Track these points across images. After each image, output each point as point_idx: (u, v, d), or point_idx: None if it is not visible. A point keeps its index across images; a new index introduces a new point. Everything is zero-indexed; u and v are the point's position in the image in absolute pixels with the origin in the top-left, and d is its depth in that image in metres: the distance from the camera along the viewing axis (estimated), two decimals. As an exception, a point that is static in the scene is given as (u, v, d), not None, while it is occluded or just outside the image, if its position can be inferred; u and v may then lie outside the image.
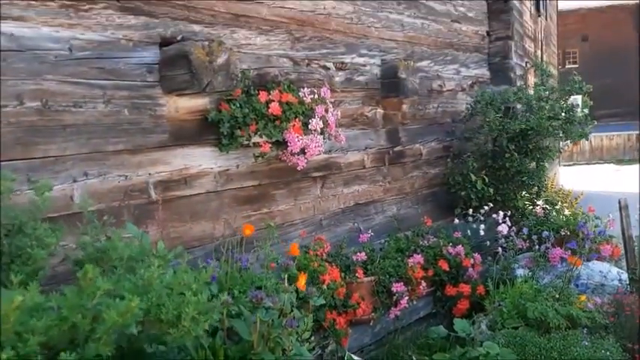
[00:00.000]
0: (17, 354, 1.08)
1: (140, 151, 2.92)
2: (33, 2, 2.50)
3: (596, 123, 5.64)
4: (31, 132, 2.48)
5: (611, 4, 29.38)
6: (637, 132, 29.66)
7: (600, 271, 4.13)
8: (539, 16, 11.49)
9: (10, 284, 1.27)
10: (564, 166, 25.26)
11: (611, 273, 4.11)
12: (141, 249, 1.68)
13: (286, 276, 2.24)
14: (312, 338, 3.00)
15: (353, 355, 2.52)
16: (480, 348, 3.03)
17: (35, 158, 2.50)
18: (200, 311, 1.48)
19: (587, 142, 29.04)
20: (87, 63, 2.69)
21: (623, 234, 4.03)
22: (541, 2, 11.45)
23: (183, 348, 2.01)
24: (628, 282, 3.91)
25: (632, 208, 4.63)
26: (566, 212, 5.50)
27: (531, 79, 9.12)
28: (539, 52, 11.44)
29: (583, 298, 3.46)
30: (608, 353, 3.00)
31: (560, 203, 5.81)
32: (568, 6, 27.67)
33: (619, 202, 4.06)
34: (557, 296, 3.40)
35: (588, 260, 4.12)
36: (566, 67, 30.40)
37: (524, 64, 8.86)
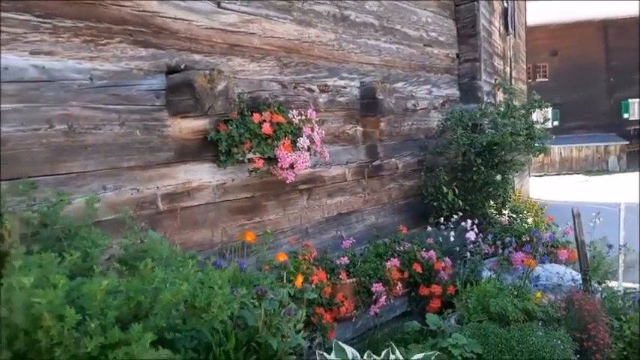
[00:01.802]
0: (100, 324, 1.46)
1: (150, 167, 3.30)
2: (60, 39, 2.87)
3: (554, 137, 6.12)
4: (59, 151, 2.85)
5: (579, 20, 30.42)
6: (605, 144, 30.73)
7: (557, 273, 4.60)
8: (508, 34, 12.05)
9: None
10: (535, 176, 26.11)
11: (566, 275, 4.58)
12: (171, 251, 2.06)
13: (285, 273, 2.64)
14: (302, 332, 3.43)
15: (340, 343, 2.91)
16: (449, 339, 3.45)
17: (61, 174, 2.87)
18: (225, 301, 1.88)
19: (557, 153, 30.01)
20: (105, 90, 3.07)
21: (576, 239, 4.50)
22: (509, 21, 12.02)
23: (199, 334, 2.41)
24: (581, 282, 4.39)
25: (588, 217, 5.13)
26: (529, 220, 6.01)
27: (500, 96, 9.68)
28: (508, 69, 11.99)
29: (538, 294, 3.92)
30: (559, 342, 3.45)
31: (524, 212, 6.30)
32: (538, 21, 28.57)
33: (572, 211, 4.54)
34: (515, 293, 3.86)
35: (542, 262, 4.59)
36: (537, 80, 31.33)
37: (493, 81, 9.42)
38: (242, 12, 3.87)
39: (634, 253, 4.99)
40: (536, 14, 29.06)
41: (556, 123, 32.04)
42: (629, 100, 30.76)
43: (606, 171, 29.31)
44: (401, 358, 2.70)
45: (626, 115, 30.98)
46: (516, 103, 6.64)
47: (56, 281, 1.42)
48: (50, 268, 1.51)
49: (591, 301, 3.78)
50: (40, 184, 2.69)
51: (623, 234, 4.80)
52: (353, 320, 4.00)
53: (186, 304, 1.74)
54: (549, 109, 30.02)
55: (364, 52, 5.07)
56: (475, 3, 6.44)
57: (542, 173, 28.70)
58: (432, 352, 2.84)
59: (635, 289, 4.40)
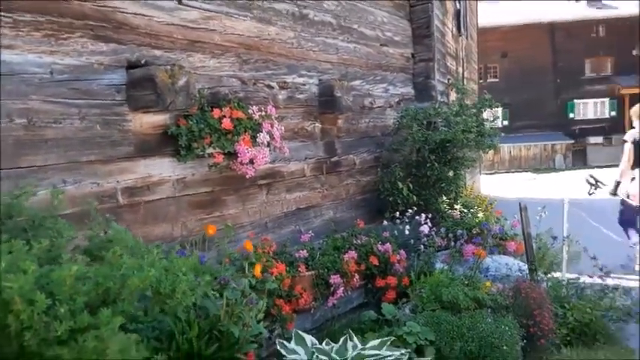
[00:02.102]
0: (69, 309, 1.51)
1: (110, 161, 3.31)
2: (20, 32, 2.87)
3: (503, 135, 6.37)
4: (19, 145, 2.84)
5: (528, 23, 31.39)
6: (552, 143, 31.83)
7: (506, 264, 4.82)
8: (461, 35, 12.37)
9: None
10: (486, 174, 26.82)
11: (514, 265, 4.81)
12: (136, 241, 2.12)
13: (247, 264, 2.71)
14: (262, 322, 3.51)
15: (299, 332, 3.01)
16: (404, 327, 3.60)
17: (22, 167, 2.86)
18: (189, 287, 1.95)
19: (506, 152, 30.88)
20: (65, 85, 3.07)
21: (523, 232, 4.73)
22: (462, 23, 12.35)
23: (160, 324, 2.47)
24: (527, 272, 4.62)
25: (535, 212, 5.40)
26: (480, 215, 6.25)
27: (453, 95, 9.95)
28: (460, 69, 12.32)
29: (488, 284, 4.12)
30: (507, 328, 3.64)
31: (475, 207, 6.53)
32: (489, 23, 29.33)
33: (519, 205, 4.76)
34: (466, 283, 4.04)
35: (491, 253, 4.81)
36: (488, 81, 32.16)
37: (446, 81, 9.68)
38: (203, 9, 3.92)
39: (577, 245, 5.27)
40: (488, 16, 29.82)
41: (506, 122, 32.98)
42: (575, 101, 31.98)
43: (553, 169, 30.37)
44: (358, 344, 2.82)
45: (571, 115, 32.18)
46: (468, 102, 6.88)
47: (26, 267, 1.47)
48: (19, 256, 1.55)
49: (537, 289, 4.00)
50: (2, 177, 2.70)
51: (567, 226, 5.07)
52: (312, 312, 4.10)
53: (152, 290, 1.80)
54: (499, 109, 30.87)
55: (322, 51, 5.17)
56: (429, 4, 6.63)
57: (493, 171, 29.50)
58: (387, 338, 2.97)
59: (578, 278, 4.66)
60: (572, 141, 31.53)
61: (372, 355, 2.67)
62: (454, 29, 11.53)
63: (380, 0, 6.15)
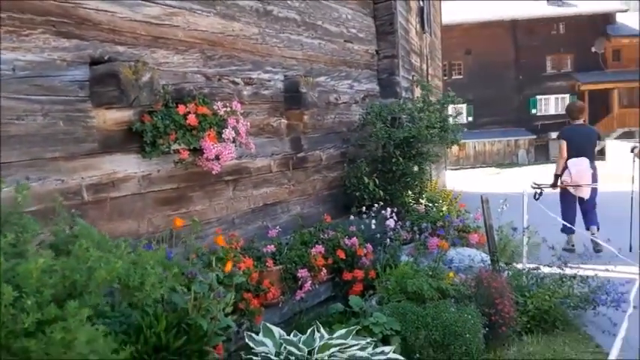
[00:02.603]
0: (37, 301, 1.52)
1: (74, 158, 3.28)
2: (-21, 28, 2.83)
3: (466, 130, 6.51)
4: (-20, 142, 2.81)
5: (491, 20, 31.95)
6: (515, 138, 32.50)
7: (469, 256, 4.95)
8: (425, 32, 12.54)
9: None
10: (452, 170, 27.25)
11: (477, 257, 4.93)
12: (102, 236, 2.12)
13: (214, 258, 2.74)
14: (231, 316, 3.53)
15: (267, 324, 3.05)
16: (370, 318, 3.67)
17: (-17, 165, 2.83)
18: (157, 280, 1.97)
19: (471, 147, 31.37)
20: (28, 81, 3.04)
21: (485, 224, 4.86)
22: (426, 20, 12.51)
23: (128, 319, 2.49)
24: (489, 262, 4.75)
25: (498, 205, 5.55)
26: (444, 208, 6.37)
27: (418, 91, 10.09)
28: (424, 66, 12.48)
29: (451, 274, 4.22)
30: (470, 317, 3.75)
31: (440, 201, 6.66)
32: (453, 20, 29.72)
33: (481, 198, 4.89)
34: (430, 274, 4.14)
35: (454, 245, 4.93)
36: (452, 77, 32.64)
37: (411, 78, 9.81)
38: (166, 5, 3.91)
39: (537, 236, 5.43)
40: (452, 13, 30.22)
41: (470, 119, 33.57)
42: (537, 97, 32.71)
43: (516, 164, 31.01)
44: (325, 334, 2.87)
45: (534, 111, 32.91)
46: (432, 98, 7.00)
47: (-9, 261, 1.48)
48: (-15, 251, 1.55)
49: (498, 279, 4.12)
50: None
51: (527, 218, 5.22)
52: (280, 305, 4.13)
53: (120, 284, 1.82)
54: (464, 105, 31.33)
55: (287, 47, 5.20)
56: (392, 1, 6.72)
57: (458, 167, 29.97)
58: (353, 327, 3.04)
59: (538, 268, 4.80)
60: (535, 136, 32.24)
61: (339, 344, 2.72)
62: (418, 26, 11.67)
63: (344, -3, 6.21)
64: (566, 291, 4.41)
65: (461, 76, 33.09)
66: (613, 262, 4.78)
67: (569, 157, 7.27)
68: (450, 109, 7.11)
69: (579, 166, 7.18)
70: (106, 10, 3.48)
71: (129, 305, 2.45)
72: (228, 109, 4.06)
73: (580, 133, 7.46)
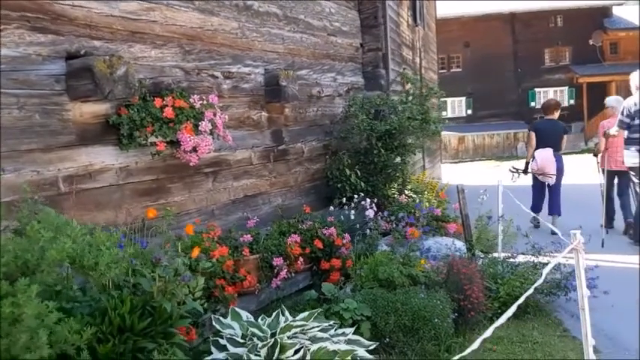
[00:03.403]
0: (-12, 280, 1.63)
1: (50, 150, 3.38)
2: (-46, 24, 2.93)
3: (447, 122, 6.59)
4: (-45, 134, 2.92)
5: (489, 13, 31.92)
6: (514, 131, 32.48)
7: (446, 244, 5.05)
8: (417, 25, 12.59)
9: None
10: (451, 162, 27.34)
11: (454, 245, 5.03)
12: (65, 222, 2.23)
13: (179, 244, 2.84)
14: (206, 305, 3.64)
15: (236, 308, 3.15)
16: (341, 304, 3.77)
17: (-42, 157, 2.94)
18: (112, 261, 2.07)
19: (470, 140, 31.39)
20: (3, 75, 3.13)
21: (461, 213, 4.95)
22: (418, 13, 12.56)
23: (98, 302, 2.60)
24: (465, 251, 4.85)
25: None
26: (430, 199, 6.47)
27: (409, 84, 10.17)
28: (417, 59, 12.55)
29: (422, 262, 4.32)
30: (439, 302, 3.85)
31: (425, 192, 6.76)
32: (451, 13, 29.72)
33: (457, 187, 4.98)
34: (402, 261, 4.24)
35: (425, 233, 5.03)
36: (451, 71, 32.64)
37: (401, 70, 9.88)
38: (143, 0, 4.00)
39: (513, 226, 5.53)
40: (450, 6, 30.18)
41: (469, 111, 33.61)
42: (536, 90, 32.68)
43: (516, 156, 30.99)
44: (289, 317, 2.98)
45: (532, 104, 32.83)
46: (424, 91, 7.09)
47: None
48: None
49: (468, 265, 4.22)
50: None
51: (502, 207, 5.31)
52: (256, 293, 4.24)
53: (75, 264, 1.93)
54: (462, 98, 31.34)
55: (268, 41, 5.29)
56: (376, -5, 6.80)
57: (457, 160, 30.01)
58: (315, 310, 3.14)
59: (513, 256, 4.90)
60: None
61: (300, 326, 2.83)
62: (410, 19, 11.72)
63: (327, -9, 6.30)
64: (536, 277, 4.49)
65: (460, 69, 33.06)
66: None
67: (537, 147, 8.26)
68: (434, 101, 7.21)
69: (544, 155, 8.14)
70: (82, 6, 3.58)
71: (100, 290, 2.58)
72: (205, 102, 4.16)
73: (548, 127, 8.47)
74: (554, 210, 8.30)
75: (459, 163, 28.11)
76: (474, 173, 21.99)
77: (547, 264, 4.62)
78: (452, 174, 19.21)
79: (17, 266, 1.73)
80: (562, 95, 32.36)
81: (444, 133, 28.91)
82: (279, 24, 5.46)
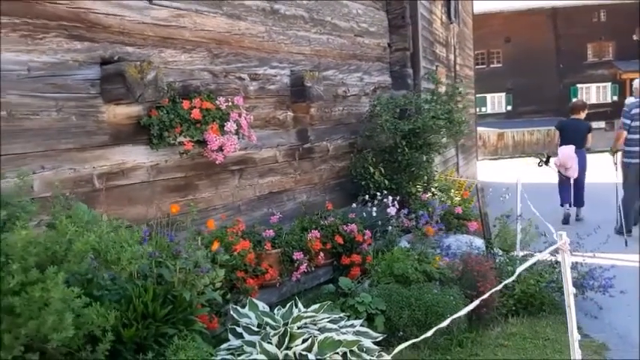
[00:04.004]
0: (21, 267, 1.86)
1: (86, 149, 3.65)
2: (-1, 34, 3.21)
3: (471, 122, 6.65)
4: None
5: (531, 8, 31.42)
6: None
7: (466, 242, 5.15)
8: (452, 22, 12.59)
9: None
10: (490, 159, 27.07)
11: (474, 243, 5.13)
12: (94, 217, 2.47)
13: (200, 238, 3.06)
14: (229, 296, 3.86)
15: (254, 299, 3.36)
16: (356, 298, 3.95)
17: (2, 155, 3.22)
18: (133, 257, 2.30)
19: (510, 137, 30.98)
20: (42, 80, 3.41)
21: (480, 212, 5.05)
22: (452, 10, 12.56)
23: (124, 291, 2.84)
24: (484, 249, 4.95)
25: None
26: (457, 198, 6.57)
27: (442, 80, 10.23)
28: (451, 56, 12.56)
29: (437, 258, 4.45)
30: (452, 298, 3.98)
31: (452, 190, 6.85)
32: (492, 8, 29.39)
33: (476, 186, 5.08)
34: (417, 258, 4.38)
35: (440, 230, 5.14)
36: (491, 66, 32.29)
37: (434, 68, 9.95)
38: (173, 7, 4.24)
39: (533, 226, 5.56)
40: (491, 1, 29.83)
41: (509, 107, 33.18)
42: (578, 85, 32.04)
43: (556, 153, 30.41)
44: (302, 309, 3.17)
45: (574, 100, 32.26)
46: (461, 89, 7.17)
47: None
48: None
49: (482, 263, 4.33)
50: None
51: (521, 206, 5.37)
52: (278, 286, 4.45)
53: (99, 258, 2.16)
54: (502, 94, 30.85)
55: (294, 43, 5.48)
56: (404, -5, 6.90)
57: (496, 156, 29.68)
58: (325, 303, 3.33)
59: (531, 255, 4.97)
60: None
61: (310, 317, 3.02)
62: (444, 17, 11.74)
63: (355, -7, 6.44)
64: (555, 276, 4.57)
65: (500, 65, 32.68)
66: (599, 249, 4.92)
67: (562, 144, 9.08)
68: (464, 101, 7.26)
69: (566, 151, 8.94)
70: (115, 14, 3.83)
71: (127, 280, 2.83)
72: (230, 103, 4.38)
73: (572, 126, 9.22)
74: (578, 202, 9.10)
75: (498, 160, 27.80)
76: (511, 170, 21.69)
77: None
78: (489, 171, 19.05)
79: (47, 256, 1.97)
80: (605, 91, 31.65)
81: (482, 129, 28.72)
82: (306, 26, 5.63)
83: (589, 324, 4.34)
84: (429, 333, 1.99)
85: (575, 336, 2.39)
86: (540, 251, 4.89)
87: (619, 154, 8.03)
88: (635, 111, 7.66)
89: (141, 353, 2.70)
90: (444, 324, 2.07)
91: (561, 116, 32.36)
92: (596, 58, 32.00)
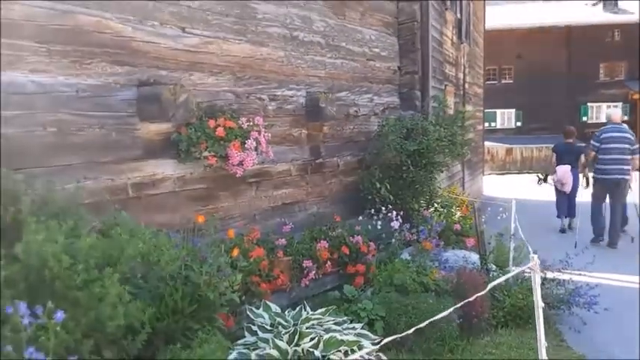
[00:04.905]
0: (85, 267, 2.29)
1: (122, 162, 4.11)
2: (53, 59, 3.67)
3: (473, 144, 7.06)
4: (50, 148, 3.65)
5: (543, 25, 31.75)
6: (564, 145, 32.13)
7: (463, 257, 5.56)
8: (462, 42, 12.99)
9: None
10: (498, 174, 27.39)
11: (470, 258, 5.53)
12: (137, 226, 2.91)
13: (223, 246, 3.49)
14: (244, 298, 4.29)
15: (267, 302, 3.78)
16: (359, 304, 4.37)
17: (52, 166, 3.67)
18: (170, 259, 2.73)
19: (519, 153, 31.20)
20: (88, 100, 3.87)
21: (476, 229, 5.45)
22: (463, 31, 12.96)
23: (156, 289, 3.27)
24: (479, 264, 5.35)
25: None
26: (458, 214, 6.97)
27: (450, 100, 10.64)
28: (461, 75, 12.96)
29: (434, 271, 4.86)
30: (445, 308, 4.38)
31: (453, 207, 7.25)
32: (505, 25, 29.74)
33: (473, 206, 5.48)
34: (416, 270, 4.79)
35: (437, 245, 5.55)
36: (502, 82, 32.63)
37: (443, 87, 10.36)
38: (203, 35, 4.70)
39: (526, 244, 5.94)
40: (504, 18, 30.21)
41: (519, 124, 33.50)
42: (588, 104, 32.31)
43: (554, 172, 30.59)
44: (310, 311, 3.60)
45: (584, 119, 32.51)
46: (469, 107, 7.60)
47: (57, 239, 2.26)
48: (53, 231, 2.34)
49: (474, 276, 4.73)
50: (38, 173, 3.50)
51: (514, 226, 5.76)
52: (288, 291, 4.87)
53: (143, 260, 2.59)
54: (512, 110, 31.05)
55: (311, 67, 5.93)
56: (415, 23, 7.33)
57: (504, 171, 29.98)
58: (330, 307, 3.75)
59: (522, 271, 5.36)
60: (584, 144, 31.81)
61: (317, 318, 3.44)
62: (454, 37, 12.14)
63: (369, 19, 6.88)
64: (543, 292, 4.95)
65: (511, 81, 33.01)
66: (585, 268, 5.31)
67: (558, 164, 10.68)
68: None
69: (563, 170, 10.54)
70: (152, 42, 4.29)
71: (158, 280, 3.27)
72: (251, 123, 4.82)
73: (567, 149, 10.82)
74: (571, 213, 10.52)
75: (506, 175, 28.10)
76: (517, 186, 21.98)
77: (552, 280, 5.11)
78: (495, 186, 19.37)
79: (104, 259, 2.40)
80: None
81: (491, 144, 29.05)
82: (322, 51, 6.08)
83: (572, 337, 4.73)
84: (410, 331, 2.37)
85: (542, 342, 2.78)
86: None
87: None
88: (604, 135, 9.11)
89: (170, 344, 3.13)
90: (423, 325, 2.47)
91: (571, 134, 32.43)
92: (607, 78, 32.26)
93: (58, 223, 2.45)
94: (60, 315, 2.10)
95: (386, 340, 2.34)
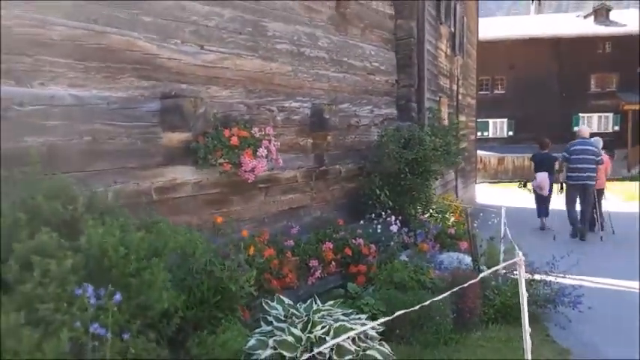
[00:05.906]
0: (136, 257, 2.68)
1: (146, 167, 4.49)
2: (89, 75, 4.06)
3: (466, 154, 7.49)
4: (85, 155, 4.04)
5: (534, 36, 32.36)
6: (555, 154, 32.68)
7: (457, 258, 5.97)
8: (456, 55, 13.47)
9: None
10: (490, 182, 27.89)
11: (463, 260, 5.94)
12: (168, 223, 3.30)
13: (242, 244, 3.89)
14: (258, 293, 4.67)
15: (280, 296, 4.18)
16: (362, 300, 4.76)
17: (86, 171, 4.06)
18: (203, 251, 3.13)
19: (510, 162, 31.67)
20: (118, 111, 4.26)
21: (469, 233, 5.87)
22: (457, 44, 13.43)
23: (183, 282, 3.66)
24: (472, 264, 5.76)
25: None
26: (452, 219, 7.38)
27: (444, 110, 11.09)
28: (454, 87, 13.42)
29: (430, 271, 5.27)
30: (440, 304, 4.77)
31: (448, 212, 7.67)
32: (497, 35, 30.32)
33: (465, 211, 5.90)
34: (413, 269, 5.20)
35: (434, 247, 5.96)
36: (495, 92, 33.20)
37: (437, 99, 10.81)
38: (219, 52, 5.10)
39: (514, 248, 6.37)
40: (497, 29, 30.80)
41: (511, 133, 34.07)
42: (580, 115, 32.89)
43: (533, 178, 31.15)
44: (320, 304, 3.99)
45: (576, 129, 33.03)
46: (462, 118, 8.04)
47: (114, 232, 2.65)
48: (110, 226, 2.74)
49: (469, 276, 5.12)
50: (76, 178, 3.89)
51: (504, 230, 6.18)
52: (295, 289, 5.25)
53: (181, 252, 2.98)
54: (504, 120, 31.50)
55: (316, 80, 6.35)
56: (412, 39, 7.78)
57: (496, 180, 30.50)
58: (338, 300, 4.15)
59: (511, 272, 5.78)
60: (558, 154, 32.36)
61: (327, 310, 3.84)
62: (448, 50, 12.61)
63: (369, 35, 7.32)
64: (531, 291, 5.37)
65: (503, 91, 33.58)
66: (569, 271, 5.75)
67: (536, 171, 12.27)
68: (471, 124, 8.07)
69: (541, 176, 12.02)
70: (175, 58, 4.69)
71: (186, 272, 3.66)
72: (263, 132, 5.22)
73: (543, 158, 12.32)
74: (548, 213, 12.14)
75: (498, 184, 28.61)
76: (508, 195, 22.43)
77: (540, 281, 5.52)
78: (486, 194, 19.83)
79: (150, 250, 2.79)
80: (607, 121, 32.50)
81: (483, 152, 29.58)
82: (326, 65, 6.50)
83: (558, 333, 5.14)
84: (396, 314, 2.72)
85: (526, 329, 3.18)
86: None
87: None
88: (572, 148, 10.91)
89: (198, 330, 3.52)
90: (417, 307, 2.88)
91: (563, 143, 33.00)
92: (599, 89, 32.86)
93: (111, 220, 2.84)
94: (118, 297, 2.49)
95: (380, 320, 2.70)
